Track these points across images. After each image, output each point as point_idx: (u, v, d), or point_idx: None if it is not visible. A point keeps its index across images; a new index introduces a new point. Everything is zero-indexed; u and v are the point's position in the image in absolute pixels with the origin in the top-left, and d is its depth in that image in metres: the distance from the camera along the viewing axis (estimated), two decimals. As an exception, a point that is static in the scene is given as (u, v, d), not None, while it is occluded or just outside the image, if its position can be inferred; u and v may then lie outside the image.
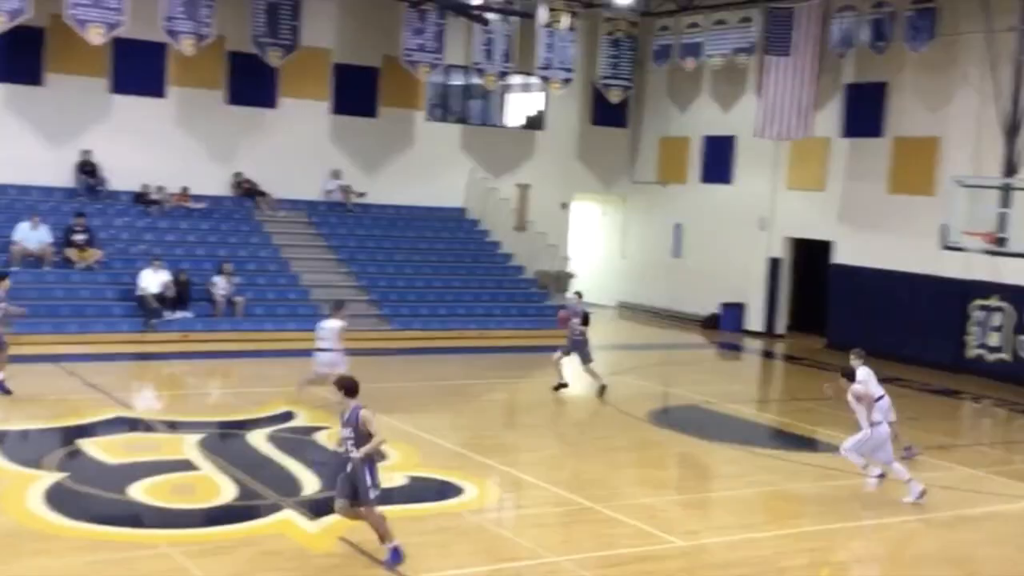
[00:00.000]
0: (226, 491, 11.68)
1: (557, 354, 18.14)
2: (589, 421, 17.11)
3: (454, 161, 28.33)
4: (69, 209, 22.85)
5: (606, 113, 30.05)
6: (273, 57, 24.75)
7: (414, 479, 12.59)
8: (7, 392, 15.63)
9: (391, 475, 12.59)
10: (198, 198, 24.73)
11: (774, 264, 27.30)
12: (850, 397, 12.71)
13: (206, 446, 13.46)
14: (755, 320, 27.55)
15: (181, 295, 21.61)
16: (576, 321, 17.99)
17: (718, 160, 28.57)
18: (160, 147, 24.50)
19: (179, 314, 21.47)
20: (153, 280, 21.34)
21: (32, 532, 10.15)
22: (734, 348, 26.22)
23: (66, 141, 23.74)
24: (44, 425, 14.40)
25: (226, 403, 17.11)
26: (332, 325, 15.85)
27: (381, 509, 9.66)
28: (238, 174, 25.68)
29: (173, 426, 14.57)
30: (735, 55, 26.88)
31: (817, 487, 13.21)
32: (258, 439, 13.95)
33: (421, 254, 26.12)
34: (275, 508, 11.15)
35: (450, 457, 13.71)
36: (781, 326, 27.38)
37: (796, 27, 24.45)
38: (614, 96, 29.21)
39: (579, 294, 19.25)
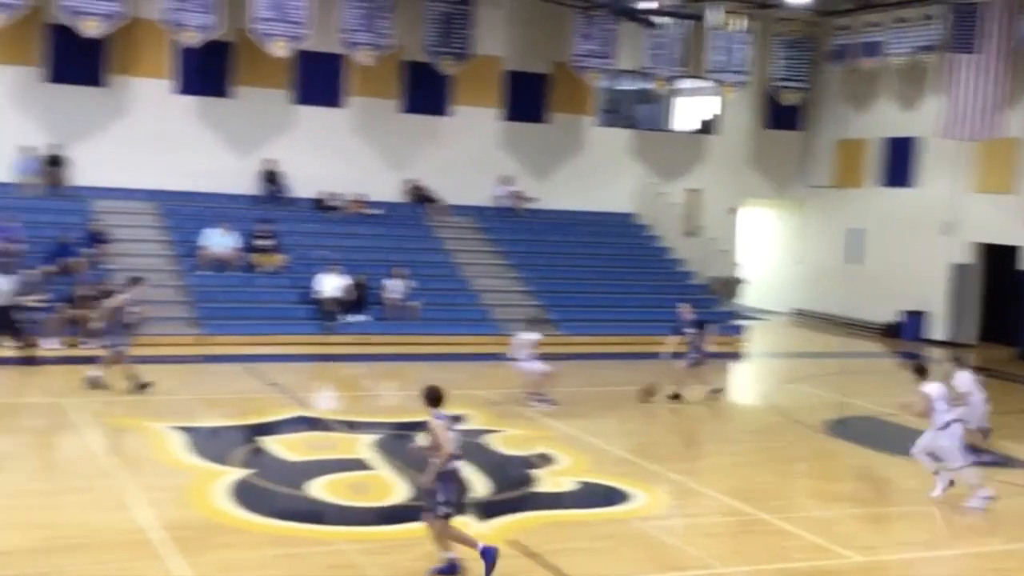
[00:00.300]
0: (398, 491, 11.94)
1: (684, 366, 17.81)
2: (761, 430, 16.74)
3: (623, 166, 28.26)
4: (253, 216, 23.81)
5: (779, 116, 29.44)
6: (446, 66, 25.24)
7: (583, 484, 12.59)
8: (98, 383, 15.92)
9: (560, 480, 12.67)
10: (374, 204, 25.44)
11: (959, 271, 26.14)
12: (915, 399, 12.35)
13: (381, 446, 13.80)
14: (938, 329, 26.44)
15: (360, 299, 22.23)
16: (692, 331, 17.76)
17: (898, 163, 27.57)
18: (338, 155, 25.31)
19: (352, 317, 22.02)
20: (330, 284, 22.03)
21: (219, 526, 10.60)
22: (916, 358, 25.14)
23: (251, 150, 24.79)
24: (230, 423, 15.06)
25: (400, 405, 17.49)
26: (528, 336, 16.88)
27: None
28: (411, 181, 26.28)
29: (351, 426, 14.98)
30: (918, 53, 25.93)
31: (1009, 504, 12.55)
32: (430, 441, 14.20)
33: (590, 259, 26.11)
34: (446, 509, 11.30)
35: (618, 463, 13.65)
36: (967, 335, 26.16)
37: (983, 23, 23.38)
38: (789, 98, 28.57)
39: (689, 304, 18.76)
